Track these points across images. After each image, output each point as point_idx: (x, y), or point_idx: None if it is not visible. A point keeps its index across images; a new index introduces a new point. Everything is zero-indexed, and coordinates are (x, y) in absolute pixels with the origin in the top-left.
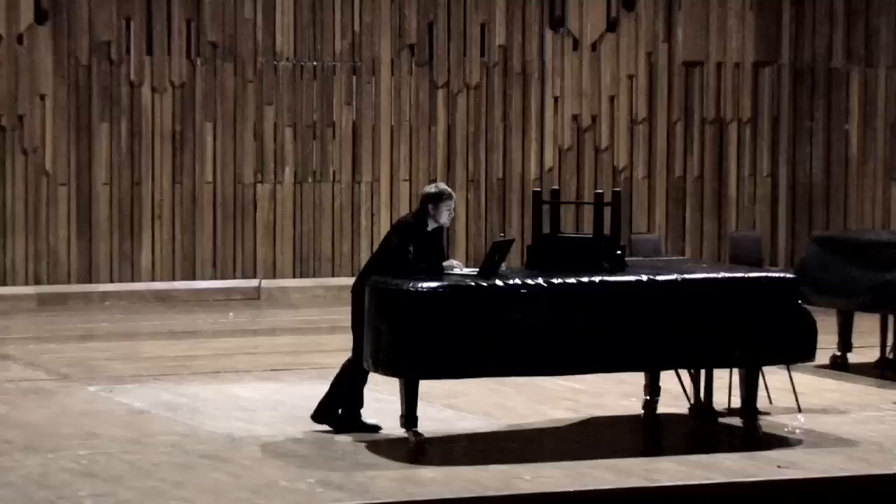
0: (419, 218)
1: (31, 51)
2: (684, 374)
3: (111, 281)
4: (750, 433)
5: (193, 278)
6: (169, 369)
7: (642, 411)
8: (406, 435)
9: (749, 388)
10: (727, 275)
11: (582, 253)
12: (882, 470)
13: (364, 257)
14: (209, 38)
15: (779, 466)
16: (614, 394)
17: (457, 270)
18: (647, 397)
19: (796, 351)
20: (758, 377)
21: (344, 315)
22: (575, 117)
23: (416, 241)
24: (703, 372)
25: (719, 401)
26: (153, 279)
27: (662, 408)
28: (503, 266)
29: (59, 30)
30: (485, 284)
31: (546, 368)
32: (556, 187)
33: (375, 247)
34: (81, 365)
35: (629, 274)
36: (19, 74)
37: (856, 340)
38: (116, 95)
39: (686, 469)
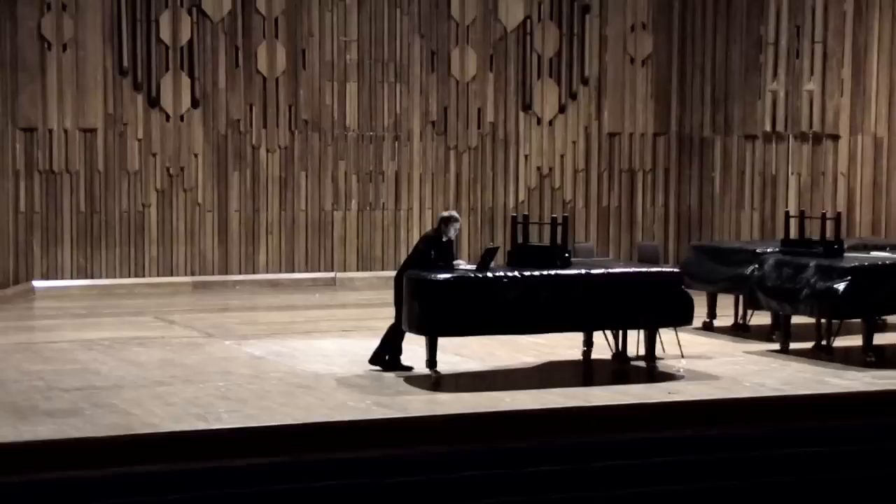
0: (437, 233)
1: (189, 125)
2: (609, 333)
3: (240, 273)
4: (650, 371)
5: (293, 271)
6: (277, 330)
7: (581, 357)
8: (429, 373)
9: (650, 342)
10: (636, 269)
11: (543, 255)
12: (735, 395)
13: (403, 258)
14: (303, 117)
15: (669, 393)
16: (563, 346)
17: (462, 267)
18: (585, 348)
19: (680, 318)
20: (655, 335)
21: (390, 295)
22: (538, 168)
23: (435, 248)
24: (620, 331)
25: (631, 350)
26: (267, 272)
27: (595, 355)
28: (492, 264)
29: (206, 111)
30: (480, 275)
31: (520, 330)
32: (526, 213)
33: (409, 251)
34: (220, 327)
35: (573, 268)
36: (181, 140)
37: (718, 312)
38: (243, 154)
39: (610, 395)
